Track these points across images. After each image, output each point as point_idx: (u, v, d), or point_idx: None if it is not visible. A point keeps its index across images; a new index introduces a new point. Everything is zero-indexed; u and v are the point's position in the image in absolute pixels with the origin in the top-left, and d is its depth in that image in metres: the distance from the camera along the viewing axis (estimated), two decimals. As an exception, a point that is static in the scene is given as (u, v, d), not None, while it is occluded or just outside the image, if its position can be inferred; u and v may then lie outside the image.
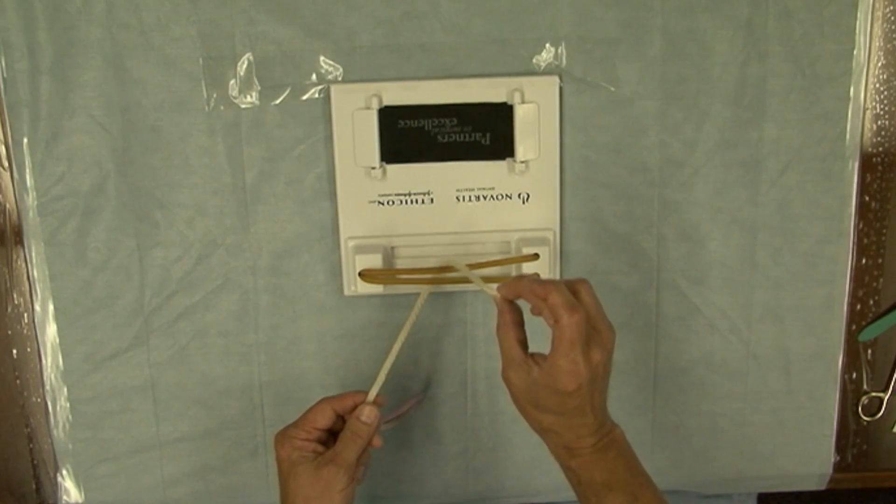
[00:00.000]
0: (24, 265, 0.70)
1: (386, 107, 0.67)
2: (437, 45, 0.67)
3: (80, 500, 0.75)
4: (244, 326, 0.72)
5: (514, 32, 0.67)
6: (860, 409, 0.78)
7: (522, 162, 0.68)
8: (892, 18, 0.69)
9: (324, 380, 0.73)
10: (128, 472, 0.74)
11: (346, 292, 0.70)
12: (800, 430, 0.77)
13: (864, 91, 0.70)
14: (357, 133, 0.67)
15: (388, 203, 0.69)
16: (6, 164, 0.68)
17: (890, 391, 0.77)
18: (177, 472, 0.75)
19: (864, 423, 0.78)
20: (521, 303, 0.60)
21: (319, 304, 0.72)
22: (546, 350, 0.56)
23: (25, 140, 0.67)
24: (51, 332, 0.71)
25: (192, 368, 0.72)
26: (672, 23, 0.67)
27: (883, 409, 0.78)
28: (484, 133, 0.68)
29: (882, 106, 0.71)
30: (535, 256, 0.68)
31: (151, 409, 0.73)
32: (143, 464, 0.74)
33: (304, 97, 0.67)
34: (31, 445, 0.74)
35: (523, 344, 0.59)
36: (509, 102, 0.67)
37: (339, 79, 0.67)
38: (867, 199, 0.73)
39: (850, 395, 0.77)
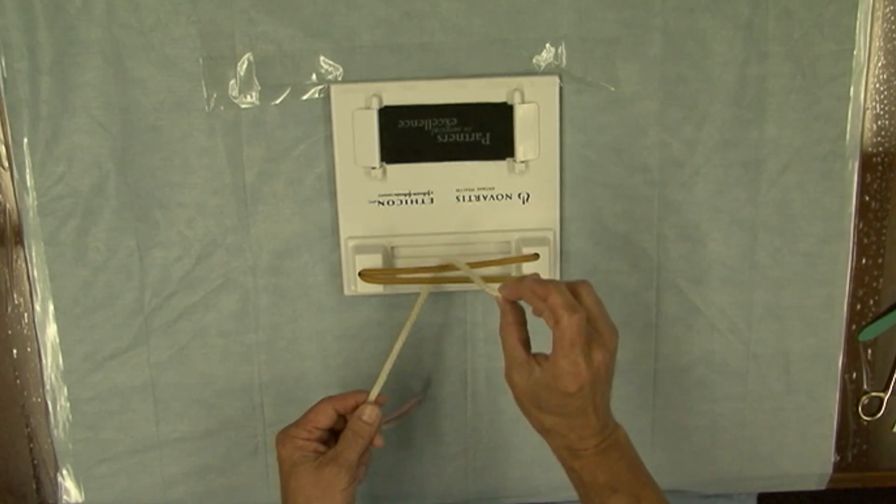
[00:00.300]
0: (24, 265, 0.70)
1: (386, 107, 0.67)
2: (437, 45, 0.67)
3: (80, 500, 0.75)
4: (244, 326, 0.72)
5: (515, 32, 0.67)
6: (860, 408, 0.78)
7: (522, 162, 0.68)
8: (892, 18, 0.69)
9: (324, 380, 0.73)
10: (128, 472, 0.74)
11: (346, 292, 0.70)
12: (800, 430, 0.77)
13: (864, 91, 0.70)
14: (357, 133, 0.67)
15: (388, 203, 0.69)
16: (6, 164, 0.68)
17: (890, 391, 0.77)
18: (177, 472, 0.75)
19: (864, 422, 0.78)
20: (524, 303, 0.60)
21: (319, 303, 0.72)
22: (549, 350, 0.56)
23: (25, 140, 0.67)
24: (51, 332, 0.71)
25: (192, 368, 0.72)
26: (672, 23, 0.67)
27: (883, 408, 0.78)
28: (484, 133, 0.68)
29: (882, 106, 0.71)
30: (535, 256, 0.68)
31: (151, 409, 0.73)
32: (143, 464, 0.74)
33: (305, 97, 0.67)
34: (31, 445, 0.74)
35: (526, 344, 0.59)
36: (509, 102, 0.67)
37: (339, 79, 0.67)
38: (867, 199, 0.73)
39: (850, 395, 0.77)
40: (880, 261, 0.74)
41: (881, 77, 0.70)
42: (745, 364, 0.75)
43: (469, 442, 0.76)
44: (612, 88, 0.68)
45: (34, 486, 0.75)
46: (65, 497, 0.75)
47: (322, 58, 0.66)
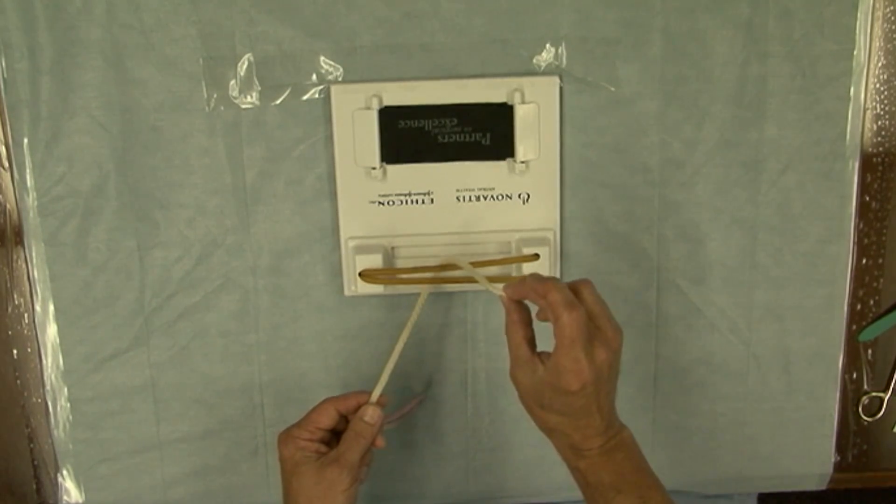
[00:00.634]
0: (24, 265, 0.70)
1: (386, 107, 0.67)
2: (437, 45, 0.67)
3: (80, 500, 0.75)
4: (244, 326, 0.72)
5: (515, 32, 0.67)
6: (860, 409, 0.78)
7: (522, 162, 0.68)
8: (892, 18, 0.69)
9: (324, 380, 0.73)
10: (128, 472, 0.74)
11: (347, 292, 0.70)
12: (800, 430, 0.77)
13: (864, 91, 0.70)
14: (357, 133, 0.67)
15: (388, 203, 0.69)
16: (6, 164, 0.68)
17: (890, 391, 0.77)
18: (177, 472, 0.75)
19: (865, 423, 0.78)
20: (531, 305, 0.59)
21: (320, 304, 0.72)
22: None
23: (26, 140, 0.67)
24: (51, 332, 0.71)
25: (192, 368, 0.72)
26: (672, 23, 0.67)
27: (883, 409, 0.78)
28: (484, 133, 0.68)
29: (882, 106, 0.71)
30: (536, 257, 0.68)
31: (151, 409, 0.73)
32: (144, 464, 0.74)
33: (305, 97, 0.67)
34: (31, 445, 0.74)
35: (531, 342, 0.59)
36: (509, 102, 0.67)
37: (340, 79, 0.67)
38: (867, 199, 0.73)
39: (850, 395, 0.77)
40: (880, 261, 0.74)
41: (881, 77, 0.70)
42: (745, 364, 0.75)
43: (470, 442, 0.76)
44: (613, 88, 0.68)
45: (34, 487, 0.75)
46: (65, 497, 0.75)
47: (322, 58, 0.66)
